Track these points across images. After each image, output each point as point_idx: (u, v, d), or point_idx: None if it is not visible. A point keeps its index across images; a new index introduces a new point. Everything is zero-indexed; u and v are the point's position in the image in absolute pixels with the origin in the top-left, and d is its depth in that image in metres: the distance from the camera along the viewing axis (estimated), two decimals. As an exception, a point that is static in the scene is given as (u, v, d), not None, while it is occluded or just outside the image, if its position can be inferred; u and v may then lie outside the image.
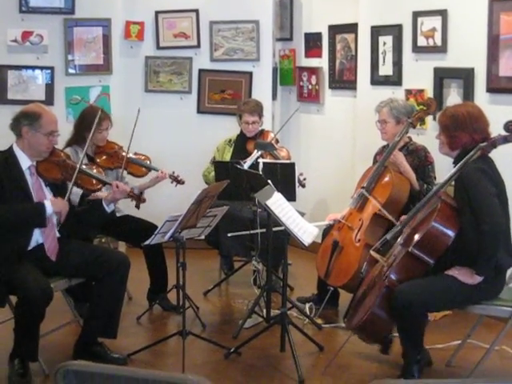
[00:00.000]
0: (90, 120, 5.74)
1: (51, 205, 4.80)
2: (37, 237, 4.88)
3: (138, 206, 5.37)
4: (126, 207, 6.13)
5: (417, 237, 4.50)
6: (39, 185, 4.94)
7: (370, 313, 4.57)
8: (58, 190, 5.04)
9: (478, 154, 4.45)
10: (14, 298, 4.76)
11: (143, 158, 6.01)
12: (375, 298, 4.59)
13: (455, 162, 4.59)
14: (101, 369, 2.38)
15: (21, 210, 4.78)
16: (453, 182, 4.58)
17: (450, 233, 4.42)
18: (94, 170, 5.29)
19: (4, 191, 4.74)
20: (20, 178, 4.85)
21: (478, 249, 4.35)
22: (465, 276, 4.43)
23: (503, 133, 4.49)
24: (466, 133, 4.51)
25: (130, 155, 5.84)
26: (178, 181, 6.00)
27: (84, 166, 5.16)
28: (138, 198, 5.24)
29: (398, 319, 4.55)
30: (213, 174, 6.50)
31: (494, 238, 4.32)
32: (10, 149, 4.91)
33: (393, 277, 4.55)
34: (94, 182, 5.22)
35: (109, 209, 5.09)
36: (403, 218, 4.93)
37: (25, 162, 4.89)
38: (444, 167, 4.72)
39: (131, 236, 6.02)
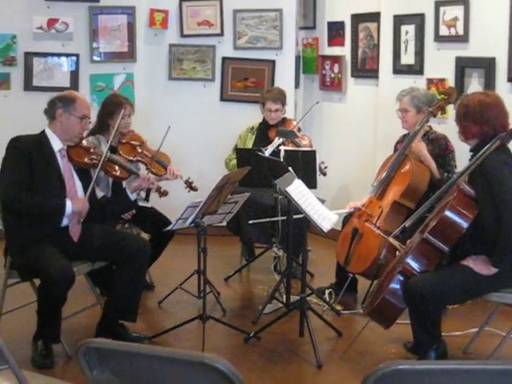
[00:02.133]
0: (112, 107, 5.84)
1: (72, 204, 4.88)
2: (63, 219, 4.95)
3: (147, 199, 5.49)
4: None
5: (431, 224, 4.55)
6: (69, 167, 5.05)
7: (383, 297, 4.63)
8: (84, 177, 5.13)
9: (497, 143, 4.46)
10: (37, 281, 4.84)
11: (165, 157, 6.01)
12: (389, 283, 4.65)
13: (472, 151, 4.63)
14: (121, 346, 2.44)
15: (41, 205, 4.86)
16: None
17: (464, 222, 4.44)
18: (121, 159, 5.41)
19: (35, 171, 4.84)
20: (52, 159, 4.95)
21: (496, 241, 4.36)
22: (480, 267, 4.45)
23: None
24: (476, 124, 4.53)
25: (156, 153, 5.85)
26: (191, 187, 5.94)
27: (111, 154, 5.27)
28: (160, 190, 5.36)
29: (412, 311, 4.61)
30: (233, 161, 6.56)
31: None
32: (43, 132, 5.02)
33: (408, 262, 4.60)
34: (122, 170, 5.33)
35: (132, 197, 5.18)
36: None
37: (56, 144, 5.00)
38: (465, 156, 4.74)
39: (148, 224, 6.09)
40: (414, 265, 4.59)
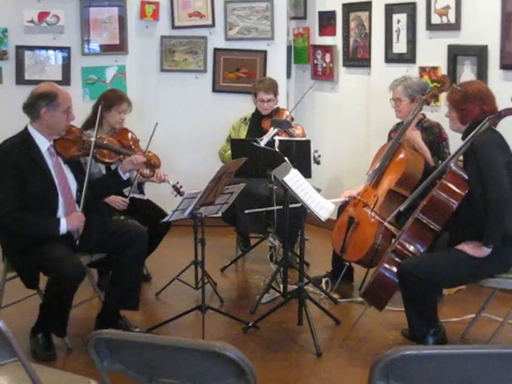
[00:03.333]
0: (110, 99, 5.85)
1: (67, 223, 4.84)
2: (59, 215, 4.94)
3: (178, 192, 5.49)
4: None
5: (423, 204, 4.62)
6: (60, 165, 4.98)
7: (379, 272, 4.70)
8: (76, 168, 5.11)
9: (487, 125, 4.55)
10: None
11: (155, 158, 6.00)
12: (383, 262, 4.72)
13: (464, 137, 4.68)
14: (131, 337, 2.47)
15: (36, 225, 4.79)
16: (461, 157, 4.67)
17: (454, 200, 4.51)
18: (106, 142, 5.40)
19: (25, 176, 4.75)
20: (41, 162, 4.86)
21: (485, 218, 4.41)
22: (473, 249, 4.49)
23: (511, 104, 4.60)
24: (476, 105, 4.60)
25: (147, 153, 5.85)
26: (178, 192, 5.91)
27: (98, 140, 5.23)
28: (151, 164, 5.37)
29: (405, 294, 4.65)
30: (229, 152, 6.57)
31: (499, 207, 4.37)
32: (26, 131, 4.91)
33: (401, 242, 4.67)
34: (111, 153, 5.32)
35: (125, 177, 5.19)
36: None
37: (43, 143, 4.91)
38: (458, 143, 4.78)
39: (144, 216, 6.09)
40: (408, 244, 4.67)
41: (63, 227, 4.82)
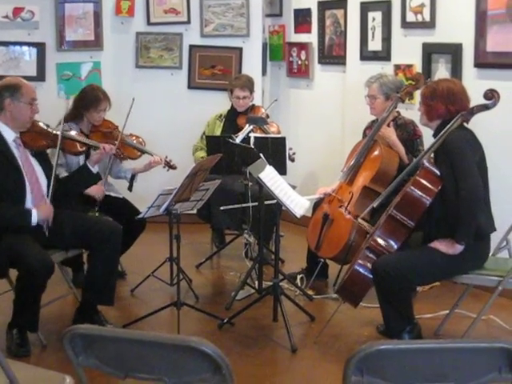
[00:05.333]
0: (89, 99, 5.86)
1: (38, 214, 4.84)
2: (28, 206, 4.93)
3: (130, 188, 5.49)
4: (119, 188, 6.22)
5: (396, 200, 4.65)
6: (26, 156, 5.00)
7: (353, 268, 4.71)
8: (43, 160, 5.12)
9: (459, 121, 4.58)
10: (12, 272, 4.84)
11: (137, 139, 6.05)
12: (357, 258, 4.74)
13: (435, 134, 4.72)
14: (106, 331, 2.47)
15: (7, 214, 4.80)
16: (432, 154, 4.70)
17: (427, 197, 4.53)
18: (74, 133, 5.42)
19: None
20: (7, 152, 4.89)
21: (458, 215, 4.44)
22: (446, 246, 4.51)
23: (483, 101, 4.63)
24: (442, 103, 4.63)
25: (126, 136, 5.91)
26: (170, 166, 6.05)
27: (65, 132, 5.27)
28: (122, 155, 5.37)
29: (379, 291, 4.68)
30: (198, 154, 6.64)
31: (471, 203, 4.40)
32: None
33: (375, 238, 4.69)
34: (79, 145, 5.33)
35: (94, 170, 5.22)
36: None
37: (9, 134, 4.94)
38: (432, 140, 4.81)
39: (119, 214, 6.09)
40: (381, 241, 4.68)
41: (34, 218, 4.83)
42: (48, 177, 5.02)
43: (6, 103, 4.91)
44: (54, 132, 5.17)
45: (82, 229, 5.07)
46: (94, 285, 5.07)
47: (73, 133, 5.43)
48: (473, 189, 4.39)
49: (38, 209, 4.87)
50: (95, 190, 5.70)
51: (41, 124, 5.19)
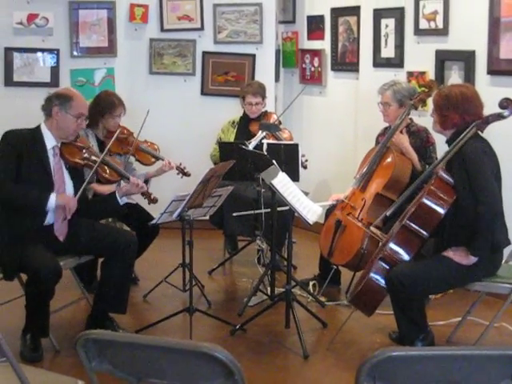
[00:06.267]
0: (103, 105, 5.89)
1: (56, 199, 4.86)
2: (48, 217, 4.95)
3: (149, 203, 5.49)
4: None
5: (411, 210, 4.63)
6: (60, 166, 5.02)
7: (368, 278, 4.70)
8: (77, 176, 5.12)
9: (473, 131, 4.55)
10: (24, 276, 4.86)
11: (152, 146, 6.09)
12: (371, 268, 4.73)
13: (448, 142, 4.70)
14: (120, 337, 2.48)
15: (25, 194, 4.84)
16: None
17: (442, 207, 4.51)
18: (114, 163, 5.40)
19: (24, 166, 4.83)
20: (43, 156, 4.93)
21: (474, 230, 4.42)
22: (460, 257, 4.50)
23: (498, 110, 4.61)
24: (457, 113, 4.60)
25: (140, 143, 5.95)
26: (184, 173, 6.05)
27: (106, 157, 5.26)
28: (150, 197, 5.32)
29: (394, 301, 4.67)
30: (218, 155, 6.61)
31: (490, 220, 4.38)
32: (38, 127, 5.01)
33: (389, 248, 4.67)
34: (113, 173, 5.32)
35: (122, 201, 5.16)
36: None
37: (50, 141, 4.98)
38: (445, 147, 4.81)
39: (133, 220, 6.11)
40: (395, 251, 4.66)
41: (52, 200, 4.84)
42: (76, 192, 5.01)
43: (54, 111, 4.95)
44: (96, 153, 5.21)
45: (98, 238, 5.09)
46: (107, 293, 5.08)
47: (113, 163, 5.36)
48: (492, 204, 4.37)
49: (59, 195, 4.89)
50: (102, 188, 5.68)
51: (86, 141, 5.25)
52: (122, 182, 5.36)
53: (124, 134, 5.98)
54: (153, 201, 5.30)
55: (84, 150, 5.13)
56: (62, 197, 4.90)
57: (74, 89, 5.33)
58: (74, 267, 5.23)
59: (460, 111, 4.59)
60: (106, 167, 5.31)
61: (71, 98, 4.99)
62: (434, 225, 4.57)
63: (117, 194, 5.13)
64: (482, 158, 4.49)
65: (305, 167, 6.27)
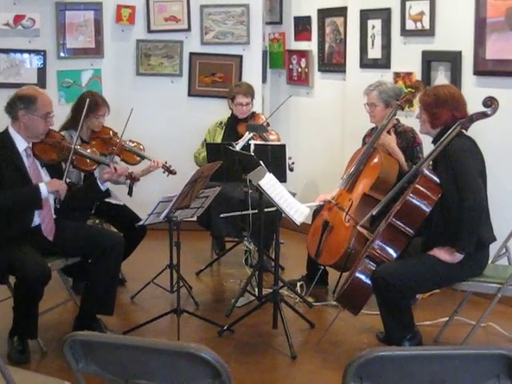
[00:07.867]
0: (88, 105, 5.85)
1: (46, 186, 4.87)
2: (34, 218, 4.95)
3: (130, 193, 5.48)
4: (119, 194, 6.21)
5: (396, 208, 4.65)
6: (36, 166, 5.01)
7: (354, 276, 4.71)
8: (55, 171, 5.11)
9: (458, 129, 4.58)
10: (12, 279, 4.84)
11: (137, 145, 6.06)
12: (357, 267, 4.74)
13: (434, 141, 4.72)
14: (107, 338, 2.48)
15: (16, 195, 4.83)
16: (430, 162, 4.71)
17: (427, 205, 4.54)
18: (89, 151, 5.40)
19: (1, 173, 4.80)
20: (17, 160, 4.91)
21: (459, 226, 4.43)
22: (445, 255, 4.52)
23: (482, 109, 4.64)
24: (448, 110, 4.63)
25: (125, 142, 5.93)
26: (170, 171, 6.02)
27: (79, 147, 5.26)
28: (131, 176, 5.34)
29: (379, 300, 4.68)
30: (203, 154, 6.60)
31: (475, 215, 4.39)
32: (6, 131, 4.96)
33: (375, 247, 4.69)
34: (89, 162, 5.32)
35: (103, 187, 5.17)
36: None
37: (21, 143, 4.95)
38: (432, 148, 4.82)
39: (120, 221, 6.11)
40: (382, 249, 4.68)
41: (44, 190, 4.83)
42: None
43: (20, 114, 4.90)
44: (67, 146, 5.15)
45: (85, 239, 5.08)
46: (94, 294, 5.07)
47: (88, 151, 5.39)
48: (477, 200, 4.38)
49: (47, 182, 4.89)
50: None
51: (57, 135, 5.20)
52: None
53: (108, 135, 5.97)
54: (135, 180, 5.41)
55: (56, 145, 5.11)
56: (51, 183, 4.91)
57: (36, 87, 5.26)
58: (63, 269, 5.22)
59: (450, 108, 4.63)
60: (82, 158, 5.30)
61: (35, 100, 4.92)
62: (419, 222, 4.60)
63: (98, 181, 5.14)
64: (468, 155, 4.52)
65: (291, 170, 6.27)
